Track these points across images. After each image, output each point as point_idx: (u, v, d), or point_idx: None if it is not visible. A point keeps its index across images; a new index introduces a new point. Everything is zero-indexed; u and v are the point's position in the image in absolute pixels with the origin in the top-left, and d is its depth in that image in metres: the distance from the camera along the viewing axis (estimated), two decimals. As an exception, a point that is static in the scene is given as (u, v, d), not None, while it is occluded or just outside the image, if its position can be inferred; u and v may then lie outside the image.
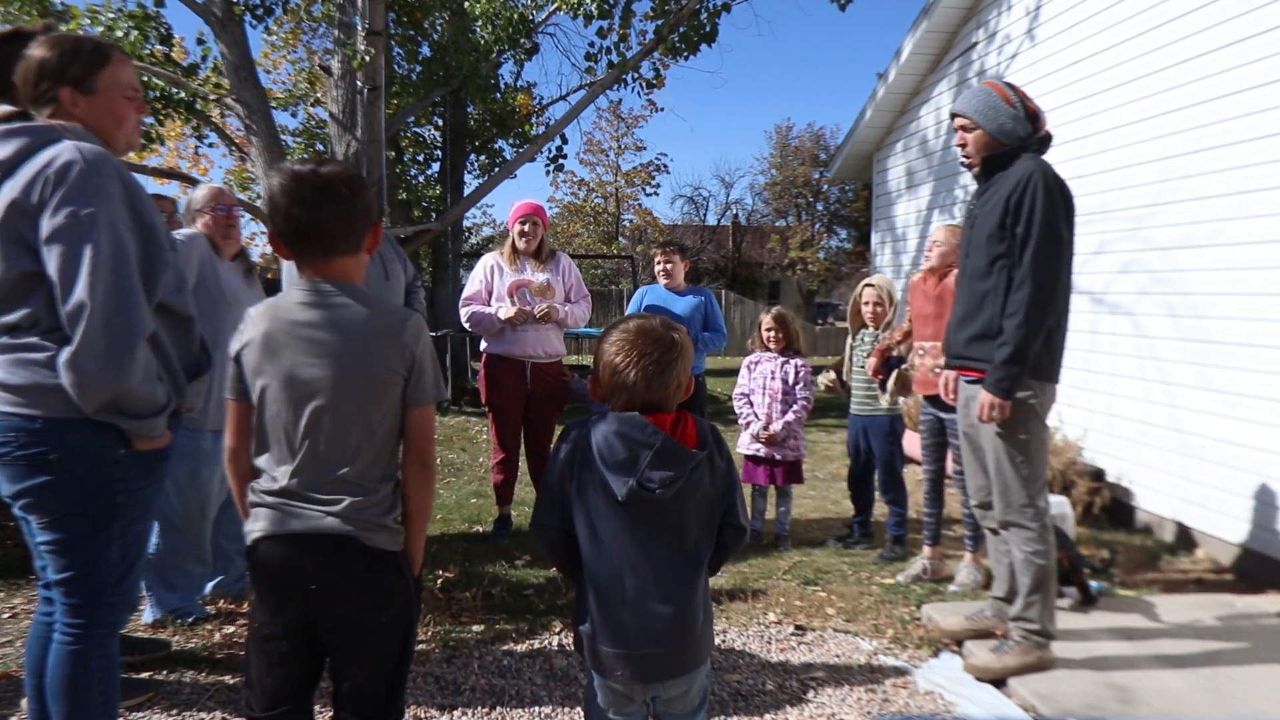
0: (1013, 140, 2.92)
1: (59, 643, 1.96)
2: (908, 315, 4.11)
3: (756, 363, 4.64)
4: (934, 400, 3.86)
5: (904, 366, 4.13)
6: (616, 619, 1.68)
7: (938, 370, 3.80)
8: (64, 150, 1.83)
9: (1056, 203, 2.79)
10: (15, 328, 1.86)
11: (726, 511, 1.75)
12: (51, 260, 1.80)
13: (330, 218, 1.67)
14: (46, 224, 1.80)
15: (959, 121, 3.01)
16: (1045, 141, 2.98)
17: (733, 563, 3.98)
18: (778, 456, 4.50)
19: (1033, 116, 2.92)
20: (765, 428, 4.46)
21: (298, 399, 1.67)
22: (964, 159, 3.06)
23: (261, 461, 1.73)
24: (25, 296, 1.84)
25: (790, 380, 4.52)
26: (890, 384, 4.17)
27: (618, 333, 1.71)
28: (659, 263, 4.90)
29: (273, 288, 3.73)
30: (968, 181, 6.46)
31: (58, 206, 1.79)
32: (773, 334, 4.59)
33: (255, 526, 1.70)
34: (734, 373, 5.20)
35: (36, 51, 1.93)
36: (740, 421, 4.64)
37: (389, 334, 1.70)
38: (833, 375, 4.77)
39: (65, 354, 1.80)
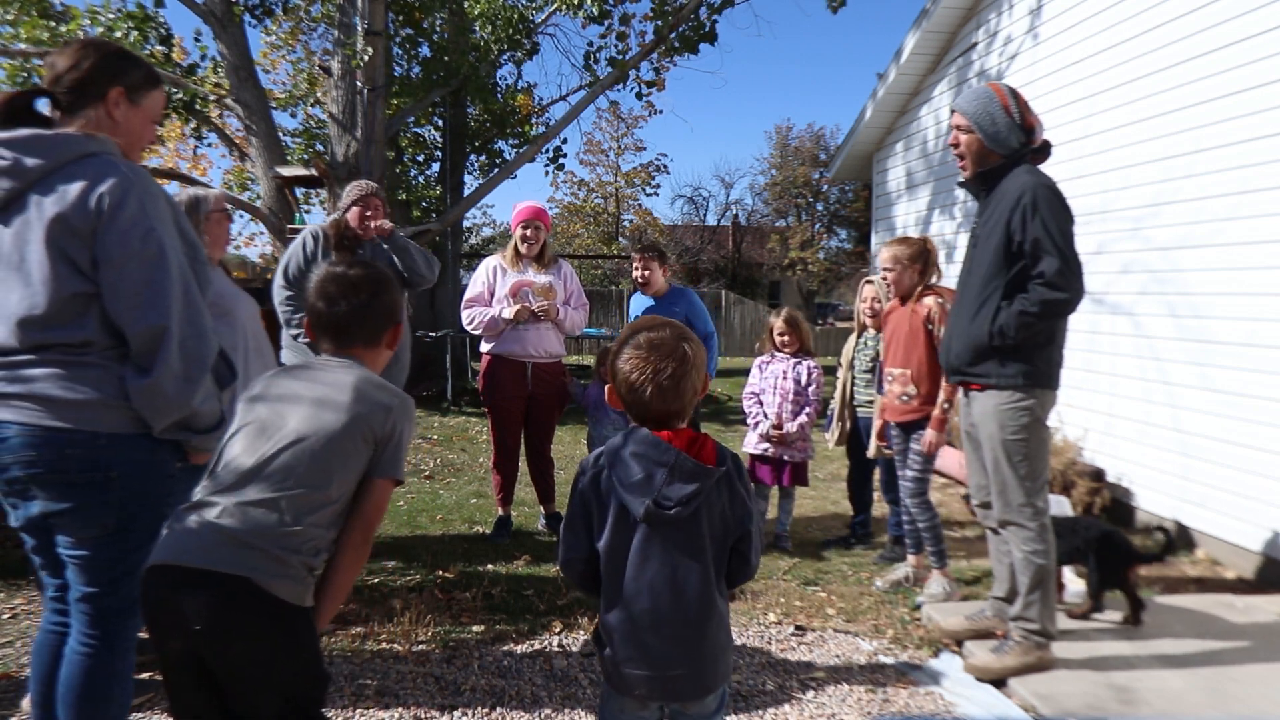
0: (1005, 150, 2.89)
1: (80, 653, 1.91)
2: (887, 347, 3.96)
3: (768, 363, 4.61)
4: (902, 426, 3.83)
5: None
6: (638, 641, 1.66)
7: (905, 398, 3.78)
8: (113, 169, 1.79)
9: (1061, 209, 2.77)
10: (69, 346, 1.82)
11: (739, 539, 1.72)
12: (123, 284, 1.77)
13: (347, 313, 1.83)
14: (112, 247, 1.76)
15: (957, 119, 2.98)
16: (1043, 151, 2.95)
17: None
18: (785, 457, 4.49)
19: (1028, 129, 2.88)
20: (777, 426, 4.43)
21: (267, 431, 1.69)
22: (957, 158, 3.04)
23: (200, 488, 1.68)
24: (77, 316, 1.80)
25: (802, 381, 4.49)
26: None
27: (630, 348, 1.69)
28: (635, 268, 4.71)
29: (267, 288, 3.73)
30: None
31: (127, 229, 1.76)
32: (786, 337, 4.56)
33: (155, 552, 1.61)
34: (734, 373, 5.18)
35: (94, 52, 1.91)
36: (749, 421, 4.60)
37: (377, 397, 1.74)
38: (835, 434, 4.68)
39: (142, 379, 1.79)
